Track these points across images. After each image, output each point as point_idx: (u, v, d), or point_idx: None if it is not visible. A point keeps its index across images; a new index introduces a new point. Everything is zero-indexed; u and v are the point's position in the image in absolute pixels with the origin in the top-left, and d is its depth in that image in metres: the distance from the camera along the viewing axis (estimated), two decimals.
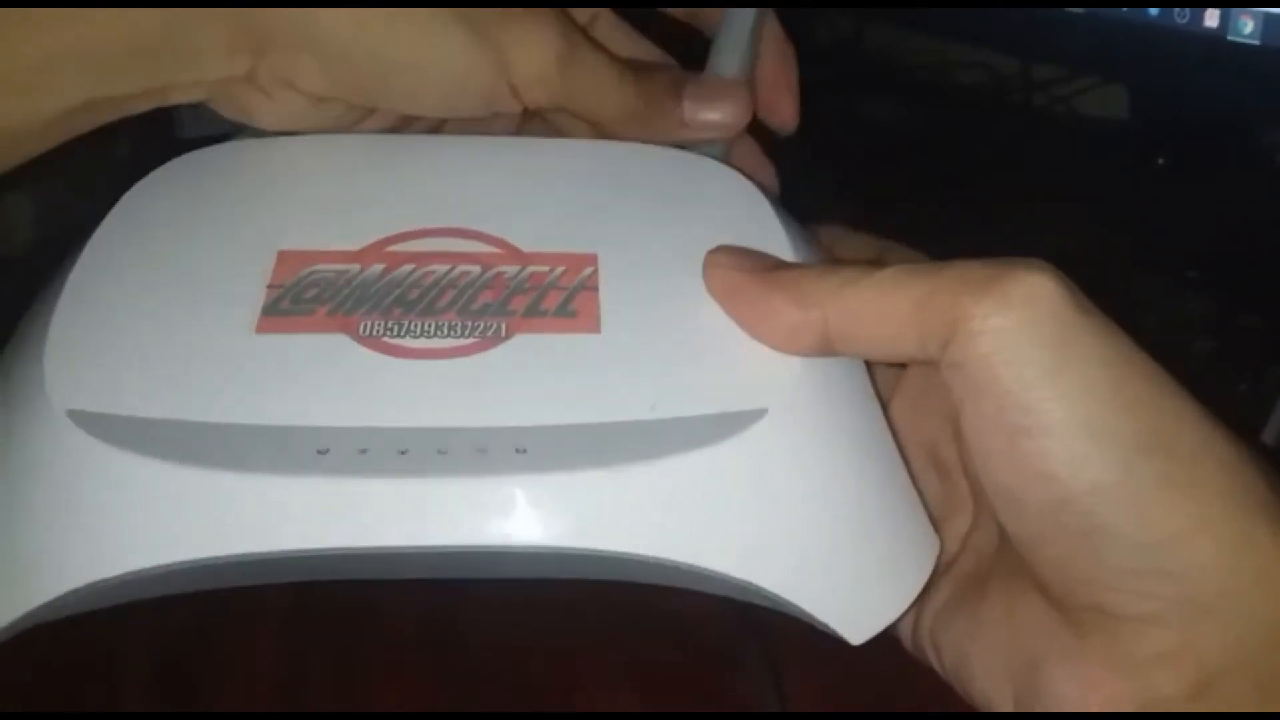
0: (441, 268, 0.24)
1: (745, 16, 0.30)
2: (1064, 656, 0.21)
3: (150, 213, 0.25)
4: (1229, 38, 0.43)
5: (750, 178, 0.28)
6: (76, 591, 0.20)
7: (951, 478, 0.26)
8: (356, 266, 0.24)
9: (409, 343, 0.23)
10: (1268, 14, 0.42)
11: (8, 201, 0.48)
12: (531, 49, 0.26)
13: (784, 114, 0.32)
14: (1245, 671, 0.19)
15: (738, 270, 0.23)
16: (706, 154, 0.29)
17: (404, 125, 0.29)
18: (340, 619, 0.28)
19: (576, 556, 0.21)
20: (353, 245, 0.25)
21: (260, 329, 0.23)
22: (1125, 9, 0.47)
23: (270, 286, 0.24)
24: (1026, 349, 0.20)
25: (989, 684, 0.23)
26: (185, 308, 0.23)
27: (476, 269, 0.24)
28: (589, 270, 0.24)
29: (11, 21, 0.23)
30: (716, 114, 0.29)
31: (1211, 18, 0.44)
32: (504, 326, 0.23)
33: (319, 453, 0.21)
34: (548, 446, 0.21)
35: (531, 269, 0.24)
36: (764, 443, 0.22)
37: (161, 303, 0.23)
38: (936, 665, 0.24)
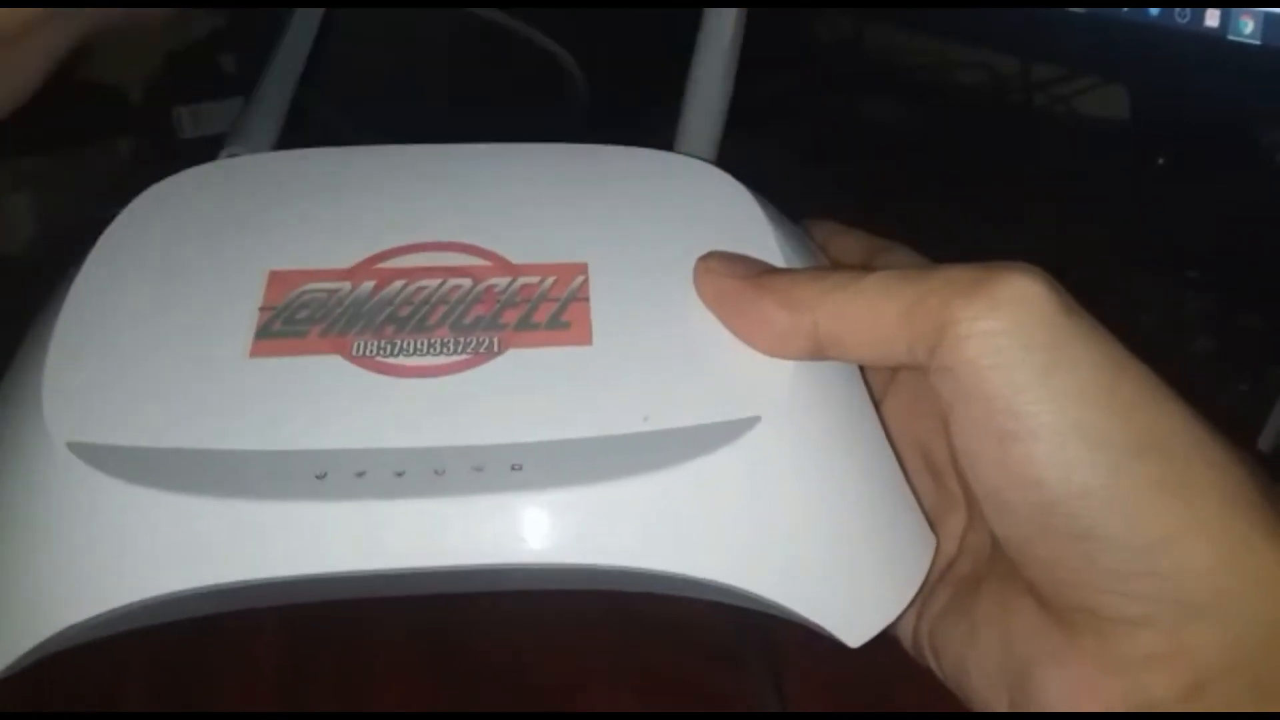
0: (432, 283, 0.24)
1: (726, 16, 0.30)
2: (1055, 659, 0.21)
3: (142, 237, 0.25)
4: (1229, 38, 0.43)
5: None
6: (83, 624, 0.20)
7: (944, 478, 0.26)
8: (347, 285, 0.24)
9: (402, 361, 0.23)
10: (1268, 14, 0.42)
11: (8, 201, 0.48)
12: None
13: None
14: (1242, 672, 0.19)
15: (729, 276, 0.23)
16: (692, 154, 0.29)
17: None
18: (340, 620, 0.28)
19: (577, 571, 0.21)
20: (342, 263, 0.25)
21: (254, 353, 0.23)
22: (1125, 9, 0.47)
23: (263, 309, 0.24)
24: (1014, 352, 0.20)
25: (985, 687, 0.23)
26: (180, 334, 0.23)
27: (467, 282, 0.24)
28: (579, 279, 0.24)
29: None
30: None
31: (1212, 18, 0.44)
32: (496, 341, 0.23)
33: (317, 478, 0.21)
34: (543, 463, 0.21)
35: (522, 280, 0.24)
36: (758, 450, 0.21)
37: (156, 330, 0.23)
38: (936, 670, 0.24)
